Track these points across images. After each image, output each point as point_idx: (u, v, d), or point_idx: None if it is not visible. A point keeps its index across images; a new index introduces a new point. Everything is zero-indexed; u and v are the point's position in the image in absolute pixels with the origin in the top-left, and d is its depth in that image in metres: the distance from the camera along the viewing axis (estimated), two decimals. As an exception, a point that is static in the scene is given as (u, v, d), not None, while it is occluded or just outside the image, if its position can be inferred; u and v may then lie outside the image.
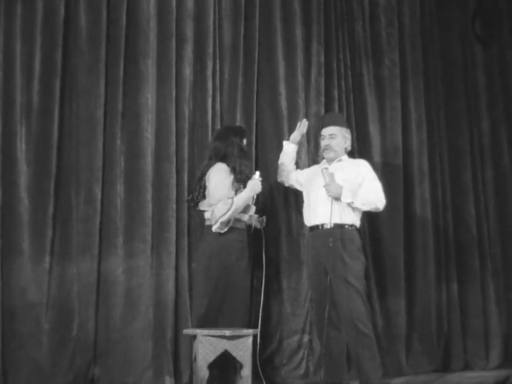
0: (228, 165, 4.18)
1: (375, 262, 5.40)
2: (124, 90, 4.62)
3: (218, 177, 4.14)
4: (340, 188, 4.22)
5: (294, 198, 4.98)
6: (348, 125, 5.36)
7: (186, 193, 4.68)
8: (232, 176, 4.15)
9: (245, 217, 4.21)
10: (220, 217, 4.06)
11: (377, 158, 5.55)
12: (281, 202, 5.04)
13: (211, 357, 3.70)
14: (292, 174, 4.69)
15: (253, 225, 4.37)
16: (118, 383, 4.34)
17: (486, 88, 6.15)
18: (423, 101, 5.86)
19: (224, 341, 3.70)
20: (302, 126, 4.70)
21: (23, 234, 4.21)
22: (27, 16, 4.36)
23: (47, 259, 4.26)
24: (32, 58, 4.37)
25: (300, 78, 5.24)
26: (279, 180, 4.77)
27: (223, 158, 4.22)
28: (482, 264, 5.82)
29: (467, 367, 5.58)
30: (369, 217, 5.38)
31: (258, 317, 4.31)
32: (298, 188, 4.67)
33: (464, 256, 5.80)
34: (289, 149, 4.70)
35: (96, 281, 4.38)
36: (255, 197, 4.29)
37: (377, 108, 5.65)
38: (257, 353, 4.15)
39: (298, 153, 5.05)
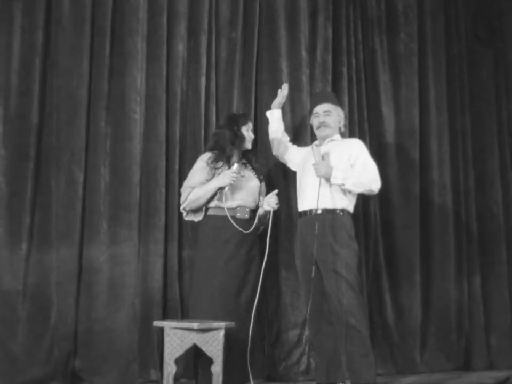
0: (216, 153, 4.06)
1: (386, 251, 5.05)
2: (109, 70, 4.40)
3: (195, 167, 4.07)
4: (329, 168, 3.87)
5: (295, 180, 4.62)
6: (358, 104, 5.06)
7: (177, 177, 4.44)
8: (208, 167, 4.00)
9: (225, 204, 3.94)
10: (181, 207, 4.03)
11: (390, 140, 5.18)
12: (281, 185, 4.64)
13: (178, 351, 3.42)
14: (288, 150, 4.38)
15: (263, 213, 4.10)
16: (101, 376, 4.14)
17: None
18: (445, 79, 5.43)
19: (193, 334, 3.41)
20: (283, 90, 4.40)
21: (-2, 220, 4.05)
22: (5, -8, 4.19)
23: (24, 245, 4.08)
24: (11, 37, 4.19)
25: (304, 54, 4.89)
26: (274, 153, 4.46)
27: (212, 148, 4.12)
28: (510, 257, 5.37)
29: (491, 366, 5.15)
30: (381, 204, 5.09)
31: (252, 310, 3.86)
32: (292, 167, 4.36)
33: (488, 248, 5.38)
34: (273, 116, 4.41)
35: (77, 269, 4.18)
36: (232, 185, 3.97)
37: (392, 86, 5.27)
38: (248, 349, 3.81)
39: (301, 135, 4.76)
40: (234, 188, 3.96)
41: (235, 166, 3.92)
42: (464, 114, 5.48)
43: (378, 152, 5.09)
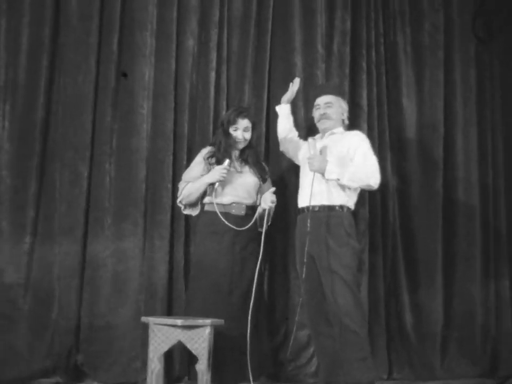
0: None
1: (406, 251, 4.86)
2: (117, 65, 4.40)
3: (194, 161, 4.06)
4: (324, 162, 3.71)
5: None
6: (378, 98, 4.88)
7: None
8: (204, 162, 3.97)
9: (216, 200, 3.87)
10: (177, 200, 4.00)
11: (412, 135, 4.97)
12: (293, 182, 4.46)
13: (163, 348, 3.38)
14: (294, 145, 4.24)
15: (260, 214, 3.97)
16: (104, 371, 4.15)
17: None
18: (474, 71, 5.18)
19: (178, 330, 3.35)
20: (294, 85, 4.27)
21: (2, 213, 4.09)
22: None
23: (28, 239, 4.13)
24: (19, 33, 4.24)
25: (320, 48, 4.75)
26: (281, 149, 4.35)
27: (213, 142, 4.10)
28: (543, 258, 5.06)
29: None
30: (400, 201, 4.92)
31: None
32: (298, 163, 4.23)
33: (519, 249, 5.06)
34: (282, 110, 4.29)
35: (81, 264, 4.19)
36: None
37: (414, 79, 5.05)
38: (247, 349, 3.68)
39: (315, 131, 4.61)
40: (226, 183, 3.90)
41: (226, 162, 3.84)
42: (494, 107, 5.20)
43: (398, 148, 4.95)
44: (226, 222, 3.82)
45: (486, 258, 4.99)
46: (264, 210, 3.90)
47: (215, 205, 3.86)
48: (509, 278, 4.99)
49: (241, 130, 3.98)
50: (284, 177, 4.58)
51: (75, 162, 4.23)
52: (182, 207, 4.02)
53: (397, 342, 4.73)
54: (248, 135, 4.02)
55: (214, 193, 3.87)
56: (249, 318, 3.65)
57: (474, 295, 4.90)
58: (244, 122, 3.99)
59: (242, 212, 3.94)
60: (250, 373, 3.63)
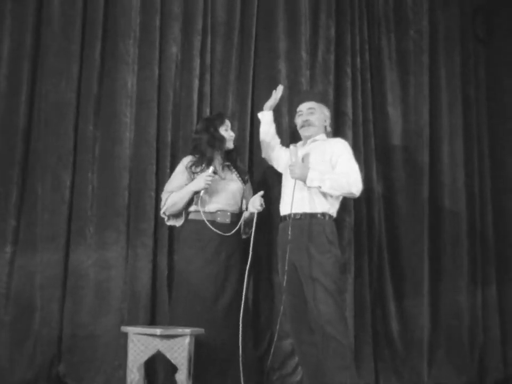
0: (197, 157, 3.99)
1: (392, 258, 4.85)
2: (100, 73, 4.37)
3: (175, 171, 4.04)
4: (305, 169, 3.68)
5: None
6: (363, 105, 4.87)
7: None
8: (187, 171, 3.95)
9: (202, 208, 3.85)
10: (161, 211, 3.97)
11: (397, 141, 4.97)
12: (276, 187, 4.42)
13: (142, 358, 3.35)
14: (276, 152, 4.22)
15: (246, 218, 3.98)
16: (86, 382, 4.09)
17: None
18: (459, 77, 5.17)
19: (157, 340, 3.33)
20: (277, 92, 4.23)
21: (-18, 223, 4.07)
22: (-5, -3, 4.23)
23: (9, 249, 4.09)
24: (0, 41, 4.21)
25: (304, 55, 4.74)
26: (263, 156, 4.33)
27: (193, 151, 4.06)
28: (530, 264, 5.05)
29: (508, 381, 4.84)
30: (386, 208, 4.89)
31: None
32: (280, 170, 4.21)
33: (506, 255, 5.04)
34: (265, 117, 4.26)
35: (63, 273, 4.14)
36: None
37: (399, 85, 5.06)
38: (240, 357, 3.61)
39: (298, 138, 4.60)
40: (212, 191, 3.88)
41: (210, 169, 3.81)
42: (479, 113, 5.20)
43: (384, 154, 4.93)
44: (213, 229, 3.81)
45: (473, 265, 4.98)
46: (251, 214, 3.89)
47: (202, 214, 3.84)
48: (496, 285, 4.98)
49: (229, 129, 4.04)
50: (268, 183, 4.54)
51: (57, 170, 4.20)
52: (166, 218, 3.99)
53: (383, 350, 4.70)
54: (233, 134, 4.09)
55: (199, 202, 3.85)
56: (240, 325, 3.63)
57: (461, 302, 4.89)
58: (228, 122, 4.07)
59: (227, 220, 3.91)
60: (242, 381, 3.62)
